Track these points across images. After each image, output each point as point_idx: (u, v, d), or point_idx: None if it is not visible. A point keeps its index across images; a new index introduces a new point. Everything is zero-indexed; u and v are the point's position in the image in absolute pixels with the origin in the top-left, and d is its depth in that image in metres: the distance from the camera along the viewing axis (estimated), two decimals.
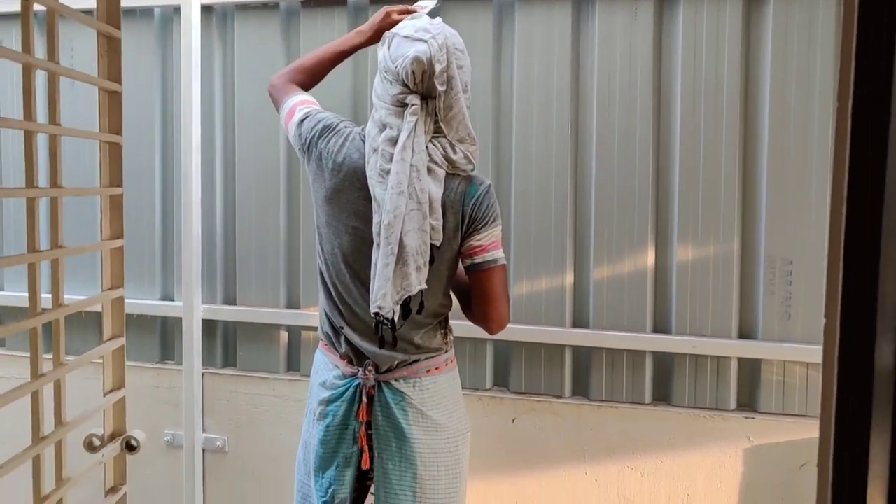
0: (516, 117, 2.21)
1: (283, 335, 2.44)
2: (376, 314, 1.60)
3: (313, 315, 2.34)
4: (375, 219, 1.62)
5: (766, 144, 2.07)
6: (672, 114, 2.13)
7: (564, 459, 2.20)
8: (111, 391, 1.31)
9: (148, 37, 2.48)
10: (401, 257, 1.58)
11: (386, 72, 1.64)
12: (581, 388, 2.24)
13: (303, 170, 2.36)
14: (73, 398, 1.22)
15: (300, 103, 1.79)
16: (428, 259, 1.62)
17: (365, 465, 1.72)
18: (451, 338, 1.82)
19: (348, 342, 1.74)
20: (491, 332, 1.75)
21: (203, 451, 2.45)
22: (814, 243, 2.04)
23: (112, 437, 1.31)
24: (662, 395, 2.19)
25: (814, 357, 2.03)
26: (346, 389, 1.73)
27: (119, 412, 1.32)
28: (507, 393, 2.26)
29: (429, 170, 1.60)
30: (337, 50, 1.86)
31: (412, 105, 1.59)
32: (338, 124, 1.74)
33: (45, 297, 1.09)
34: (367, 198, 1.65)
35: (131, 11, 2.45)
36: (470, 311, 1.78)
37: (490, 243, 1.68)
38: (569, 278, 2.21)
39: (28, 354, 1.08)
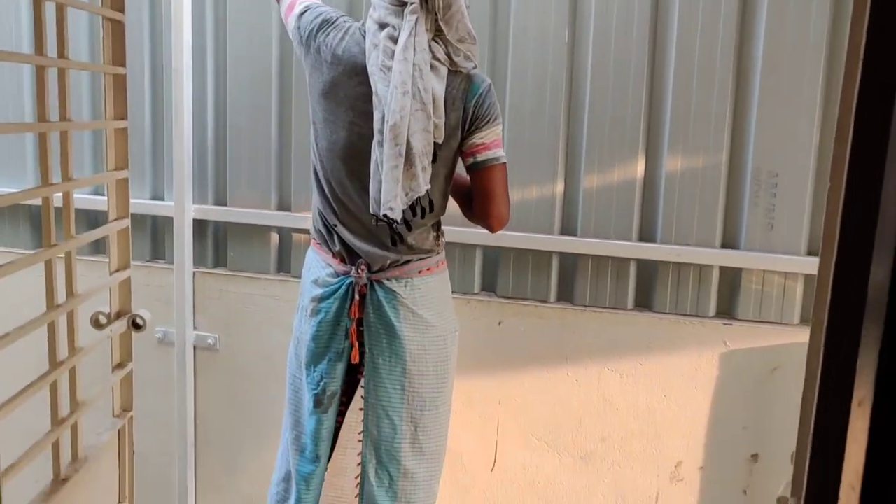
0: (513, 27, 2.19)
1: (274, 236, 2.46)
2: (385, 216, 1.62)
3: (304, 217, 2.36)
4: (377, 115, 1.62)
5: (761, 60, 2.08)
6: (669, 26, 2.13)
7: (548, 361, 2.28)
8: (117, 270, 1.34)
9: None
10: (408, 158, 1.59)
11: None
12: (566, 294, 2.30)
13: (296, 70, 2.34)
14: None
15: None
16: (432, 159, 1.64)
17: (354, 360, 1.77)
18: (443, 241, 1.86)
19: (342, 240, 1.76)
20: (492, 230, 1.78)
21: (194, 348, 2.50)
22: (799, 158, 2.09)
23: (118, 315, 1.34)
24: (645, 301, 2.26)
25: (793, 267, 2.11)
26: (339, 287, 1.77)
27: (125, 291, 1.35)
28: (495, 297, 2.32)
29: (432, 66, 1.60)
30: None
31: (411, 4, 1.58)
32: (337, 18, 1.73)
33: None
34: (366, 93, 1.65)
35: None
36: (470, 211, 1.81)
37: (492, 141, 1.70)
38: (559, 187, 2.24)
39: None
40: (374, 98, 1.62)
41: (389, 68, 1.59)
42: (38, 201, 1.13)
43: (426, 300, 1.78)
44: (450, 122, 1.65)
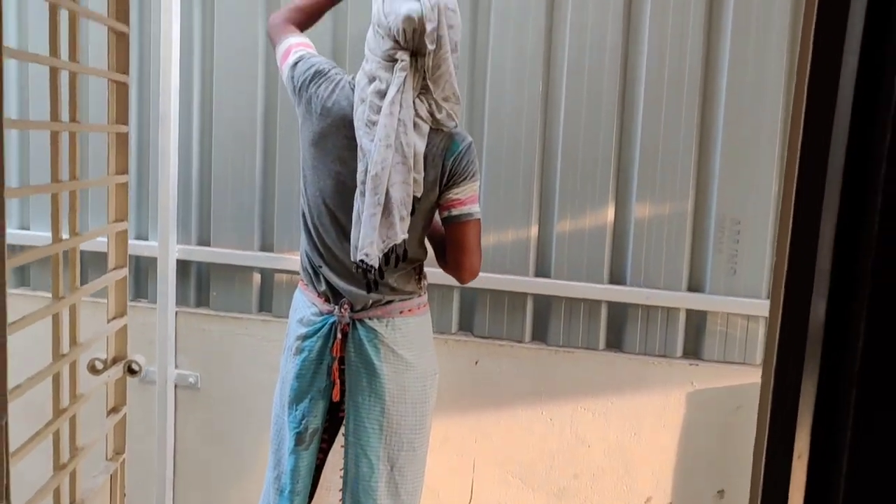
0: (490, 76, 2.30)
1: (256, 276, 2.52)
2: (362, 261, 1.69)
3: (286, 258, 2.43)
4: (360, 167, 1.69)
5: (723, 112, 2.21)
6: (637, 80, 2.25)
7: (523, 399, 2.36)
8: (114, 318, 1.39)
9: None
10: (387, 208, 1.66)
11: (378, 26, 1.69)
12: (540, 334, 2.39)
13: (280, 115, 2.42)
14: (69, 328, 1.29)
15: (295, 45, 1.85)
16: (410, 210, 1.72)
17: (335, 398, 1.82)
18: (426, 283, 1.92)
19: (327, 281, 1.82)
20: (462, 282, 1.86)
21: (175, 386, 2.53)
22: (760, 206, 2.21)
23: (114, 361, 1.40)
24: (615, 342, 2.35)
25: (755, 310, 2.22)
26: (322, 326, 1.82)
27: (121, 338, 1.41)
28: (472, 336, 2.40)
29: (415, 125, 1.68)
30: None
31: (402, 61, 1.65)
32: (329, 70, 1.80)
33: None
34: (351, 145, 1.72)
35: None
36: (444, 261, 1.88)
37: (467, 197, 1.77)
38: (533, 230, 2.34)
39: (43, 294, 1.15)
40: (359, 151, 1.70)
41: (374, 123, 1.67)
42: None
43: (407, 340, 1.84)
44: (428, 178, 1.73)
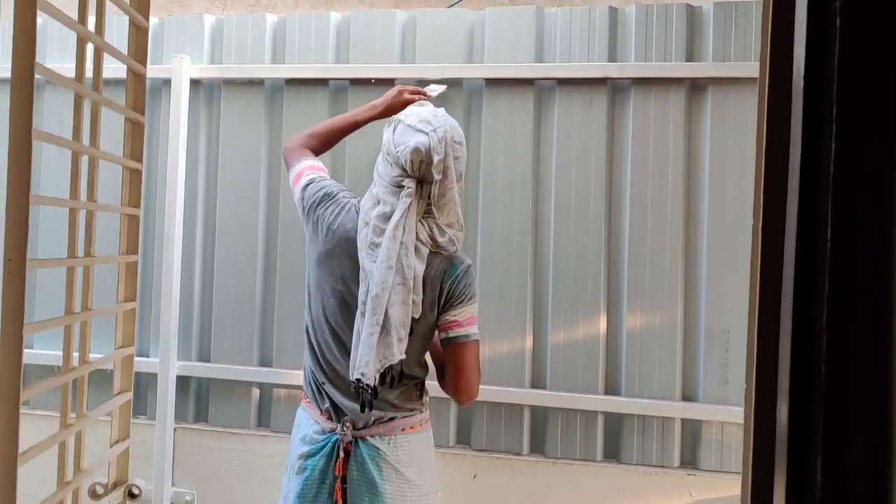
0: (482, 194, 2.41)
1: (255, 391, 2.54)
2: (358, 380, 1.73)
3: (285, 373, 2.46)
4: (361, 287, 1.75)
5: (707, 225, 2.31)
6: (622, 195, 2.36)
7: None
8: (117, 442, 1.42)
9: None
10: (385, 328, 1.70)
11: (388, 154, 1.79)
12: (538, 446, 2.39)
13: (280, 234, 2.51)
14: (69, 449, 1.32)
15: (308, 168, 1.94)
16: (409, 331, 1.76)
17: None
18: (427, 399, 1.93)
19: (329, 398, 1.85)
20: (460, 404, 1.88)
21: None
22: (747, 315, 2.26)
23: (115, 486, 1.41)
24: (612, 452, 2.36)
25: None
26: (325, 444, 1.83)
27: (123, 462, 1.43)
28: (469, 450, 2.40)
29: (415, 248, 1.76)
30: (351, 120, 2.02)
31: (408, 188, 1.74)
32: (337, 193, 1.89)
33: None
34: (354, 266, 1.79)
35: (122, 81, 2.59)
36: (443, 381, 1.91)
37: (465, 319, 1.82)
38: (528, 342, 2.38)
39: (48, 412, 1.19)
40: (361, 272, 1.76)
41: (377, 245, 1.74)
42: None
43: (409, 458, 1.84)
44: (427, 300, 1.78)
